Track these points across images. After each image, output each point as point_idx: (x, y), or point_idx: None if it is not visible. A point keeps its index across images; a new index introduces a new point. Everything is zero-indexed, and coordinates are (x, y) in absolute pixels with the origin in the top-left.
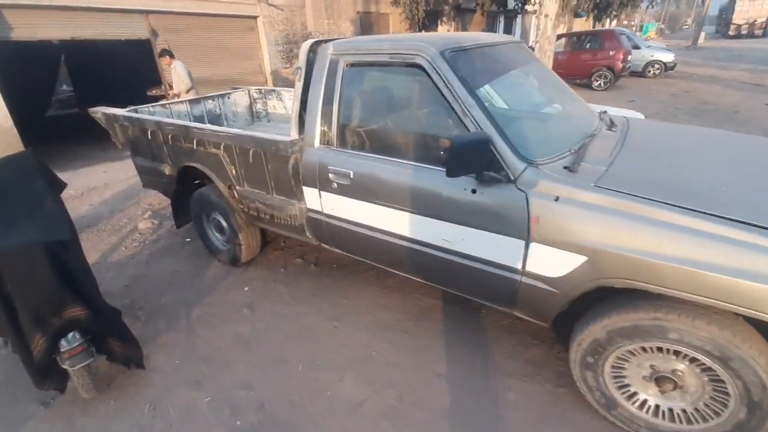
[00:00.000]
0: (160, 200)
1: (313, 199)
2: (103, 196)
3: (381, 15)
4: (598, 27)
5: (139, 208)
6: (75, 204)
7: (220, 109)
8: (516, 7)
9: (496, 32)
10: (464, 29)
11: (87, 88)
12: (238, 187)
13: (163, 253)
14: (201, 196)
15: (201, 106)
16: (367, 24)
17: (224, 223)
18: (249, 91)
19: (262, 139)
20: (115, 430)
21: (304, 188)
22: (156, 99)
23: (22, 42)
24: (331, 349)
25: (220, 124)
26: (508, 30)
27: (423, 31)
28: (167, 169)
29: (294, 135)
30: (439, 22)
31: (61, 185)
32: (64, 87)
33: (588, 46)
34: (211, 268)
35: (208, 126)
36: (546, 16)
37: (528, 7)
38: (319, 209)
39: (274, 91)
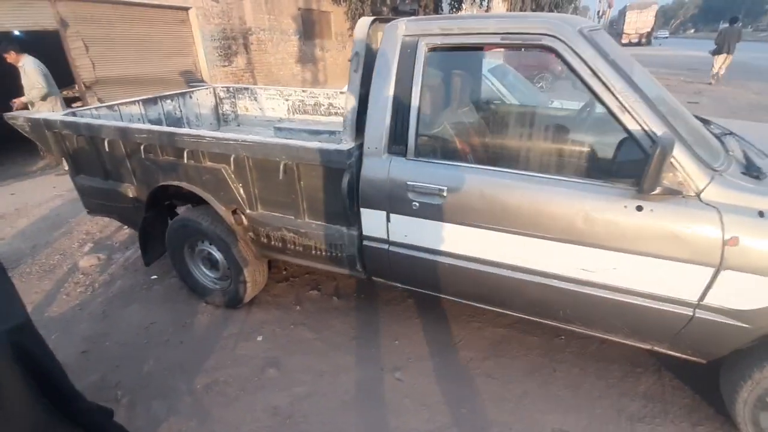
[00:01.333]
0: (100, 226)
1: (376, 223)
2: (17, 225)
3: (323, 13)
4: None
5: (74, 240)
6: None
7: (181, 110)
8: (452, 10)
9: None
10: None
11: None
12: (249, 211)
13: (123, 299)
14: (184, 224)
15: (158, 108)
16: (309, 21)
17: (218, 256)
18: (215, 90)
19: (302, 149)
20: None
21: (363, 210)
22: (71, 100)
23: None
24: (405, 412)
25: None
26: None
27: None
28: (131, 191)
29: (349, 142)
30: None
31: None
32: None
33: None
34: (200, 314)
35: (209, 132)
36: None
37: (466, 9)
38: (383, 236)
39: (247, 89)
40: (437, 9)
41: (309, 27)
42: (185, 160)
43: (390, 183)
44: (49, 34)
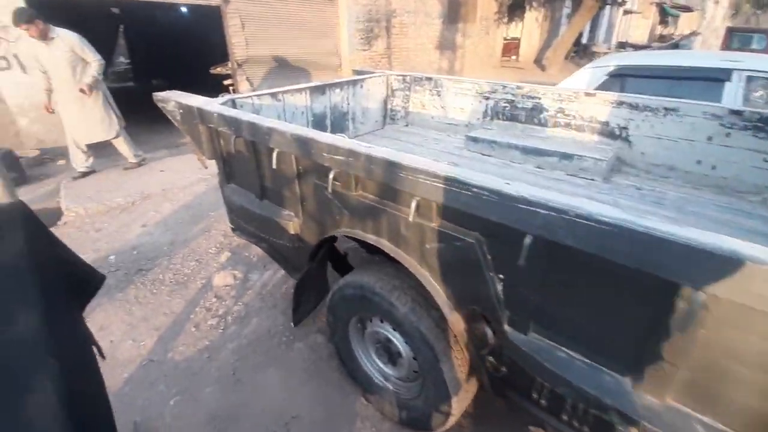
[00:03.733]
0: None
1: None
2: (161, 211)
3: None
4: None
5: (211, 241)
6: (123, 221)
7: (349, 103)
8: None
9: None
10: (552, 17)
11: (143, 61)
12: (507, 328)
13: (259, 355)
14: (362, 295)
15: (325, 98)
16: (455, 2)
17: (405, 352)
18: (388, 79)
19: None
20: None
21: None
22: (221, 78)
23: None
24: None
25: (343, 129)
26: (593, 24)
27: (509, 15)
28: (293, 226)
29: None
30: (527, 6)
31: (85, 278)
32: (121, 59)
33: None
34: (361, 417)
35: (468, 175)
36: (716, 2)
37: None
38: None
39: (429, 79)
40: None
41: (454, 9)
42: (397, 209)
43: None
44: (210, 10)
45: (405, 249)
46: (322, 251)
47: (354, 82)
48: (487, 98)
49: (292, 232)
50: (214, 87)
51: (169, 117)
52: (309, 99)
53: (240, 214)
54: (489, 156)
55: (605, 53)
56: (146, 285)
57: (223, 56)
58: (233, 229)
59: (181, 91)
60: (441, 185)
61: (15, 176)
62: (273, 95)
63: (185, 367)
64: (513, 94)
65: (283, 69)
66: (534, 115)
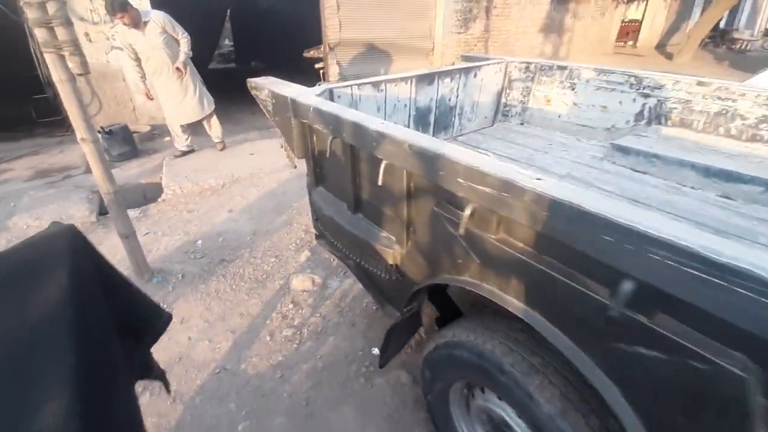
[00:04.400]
0: None
1: None
2: (247, 197)
3: None
4: None
5: (292, 236)
6: (213, 204)
7: (458, 95)
8: None
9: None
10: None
11: (245, 44)
12: None
13: (335, 385)
14: (482, 362)
15: (432, 89)
16: None
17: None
18: (506, 67)
19: None
20: None
21: None
22: (314, 61)
23: None
24: None
25: (447, 125)
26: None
27: None
28: (392, 255)
29: None
30: None
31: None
32: (226, 42)
33: None
34: None
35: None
36: None
37: None
38: None
39: (563, 68)
40: None
41: None
42: (579, 283)
43: None
44: None
45: (581, 341)
46: (426, 295)
47: (467, 71)
48: (647, 95)
49: (391, 261)
50: (307, 70)
51: (261, 106)
52: (414, 90)
53: (327, 224)
54: (644, 173)
55: (749, 41)
56: (227, 278)
57: (317, 39)
58: (317, 237)
59: (276, 78)
60: (694, 270)
61: (128, 149)
62: (374, 85)
63: (257, 385)
64: (689, 92)
65: (373, 53)
66: (720, 122)
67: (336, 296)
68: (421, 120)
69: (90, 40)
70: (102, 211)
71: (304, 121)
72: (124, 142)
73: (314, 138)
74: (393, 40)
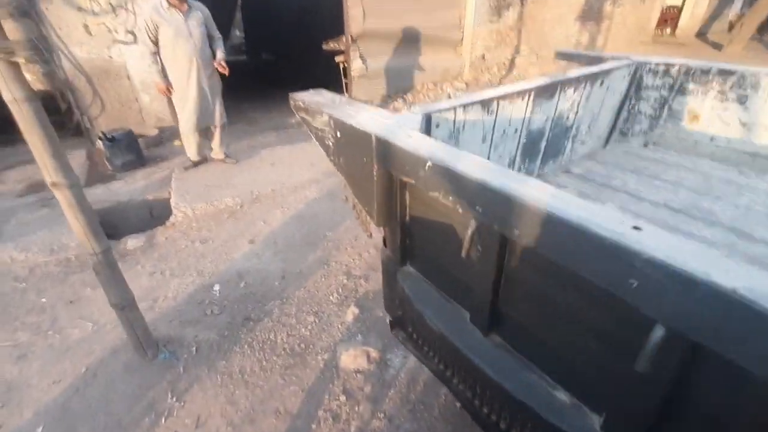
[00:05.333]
0: (365, 262)
1: None
2: (270, 222)
3: None
4: None
5: (331, 280)
6: (231, 231)
7: (577, 110)
8: None
9: None
10: None
11: (256, 35)
12: None
13: None
14: None
15: (550, 105)
16: None
17: None
18: (636, 71)
19: None
20: None
21: None
22: (333, 54)
23: None
24: None
25: (558, 153)
26: None
27: None
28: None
29: None
30: None
31: None
32: (237, 33)
33: None
34: None
35: None
36: None
37: None
38: None
39: (726, 72)
40: None
41: None
42: None
43: None
44: None
45: None
46: None
47: (593, 77)
48: None
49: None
50: (326, 63)
51: (313, 136)
52: (530, 107)
53: (419, 323)
54: None
55: None
56: (254, 349)
57: (335, 30)
58: (392, 326)
59: (334, 93)
60: None
61: (133, 158)
62: (484, 105)
63: None
64: None
65: (399, 46)
66: None
67: (401, 382)
68: (530, 149)
69: (90, 33)
70: None
71: (406, 179)
72: (129, 150)
73: (408, 197)
74: (420, 30)
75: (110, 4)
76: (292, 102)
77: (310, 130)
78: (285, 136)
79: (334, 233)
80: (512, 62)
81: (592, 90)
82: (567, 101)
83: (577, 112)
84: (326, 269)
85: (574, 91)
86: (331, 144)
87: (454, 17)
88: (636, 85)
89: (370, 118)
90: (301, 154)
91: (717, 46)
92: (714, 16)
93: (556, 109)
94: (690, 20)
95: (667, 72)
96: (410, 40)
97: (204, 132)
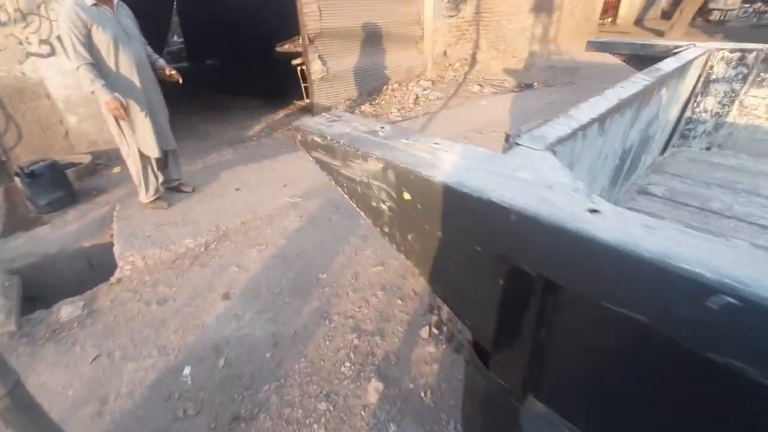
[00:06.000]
0: (375, 312)
1: None
2: (246, 266)
3: None
4: None
5: (338, 345)
6: (196, 284)
7: (658, 114)
8: None
9: None
10: None
11: (197, 39)
12: None
13: None
14: None
15: (648, 110)
16: None
17: None
18: (706, 60)
19: None
20: None
21: None
22: (288, 57)
23: None
24: None
25: (634, 169)
26: None
27: None
28: None
29: None
30: None
31: None
32: (175, 38)
33: None
34: None
35: None
36: None
37: None
38: None
39: None
40: None
41: None
42: None
43: None
44: None
45: None
46: None
47: (679, 71)
48: None
49: None
50: (280, 67)
51: (343, 190)
52: (630, 120)
53: None
54: None
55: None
56: None
57: (286, 30)
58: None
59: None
60: None
61: (61, 195)
62: (600, 122)
63: None
64: None
65: (359, 44)
66: None
67: None
68: (618, 171)
69: None
70: (24, 312)
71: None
72: (55, 185)
73: (555, 302)
74: (380, 27)
75: (19, 11)
76: (298, 136)
77: (335, 181)
78: (244, 151)
79: (329, 274)
80: (473, 57)
81: (677, 86)
82: (655, 104)
83: (657, 116)
84: (328, 326)
85: (667, 90)
86: (386, 209)
87: (414, 12)
88: (705, 78)
89: (473, 167)
90: (270, 174)
91: (658, 33)
92: (648, 4)
93: (647, 115)
94: (629, 9)
95: (742, 60)
96: (371, 38)
97: (163, 160)
